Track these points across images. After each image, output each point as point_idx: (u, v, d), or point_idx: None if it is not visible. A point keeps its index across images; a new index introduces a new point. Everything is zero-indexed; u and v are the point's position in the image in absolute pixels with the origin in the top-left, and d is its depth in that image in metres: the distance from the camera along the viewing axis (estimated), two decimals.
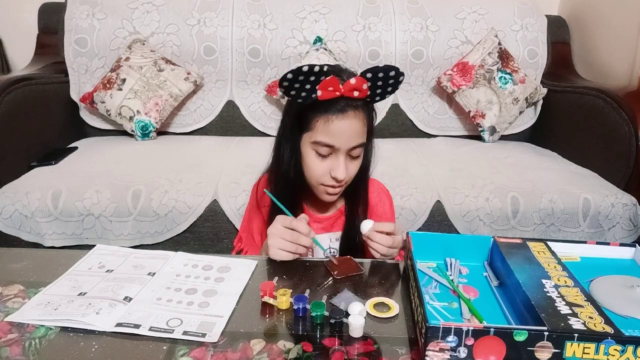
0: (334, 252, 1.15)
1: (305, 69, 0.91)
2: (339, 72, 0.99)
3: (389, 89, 0.99)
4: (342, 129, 0.98)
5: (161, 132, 2.23)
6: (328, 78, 0.93)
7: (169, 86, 2.14)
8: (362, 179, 1.12)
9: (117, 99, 2.10)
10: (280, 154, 1.08)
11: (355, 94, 0.96)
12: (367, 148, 1.08)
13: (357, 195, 1.13)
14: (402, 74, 0.98)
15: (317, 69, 0.92)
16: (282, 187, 1.09)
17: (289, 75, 0.92)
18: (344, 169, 1.00)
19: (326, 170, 1.02)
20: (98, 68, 2.22)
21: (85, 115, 2.24)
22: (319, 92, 0.94)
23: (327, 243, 1.16)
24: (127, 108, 2.10)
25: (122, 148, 2.02)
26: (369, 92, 0.97)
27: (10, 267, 0.94)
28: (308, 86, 0.94)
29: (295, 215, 0.99)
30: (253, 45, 2.24)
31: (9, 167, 1.74)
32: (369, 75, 0.94)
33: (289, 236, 0.94)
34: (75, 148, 2.02)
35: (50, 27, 2.29)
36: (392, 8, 2.32)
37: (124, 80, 2.11)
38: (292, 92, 0.95)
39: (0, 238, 1.59)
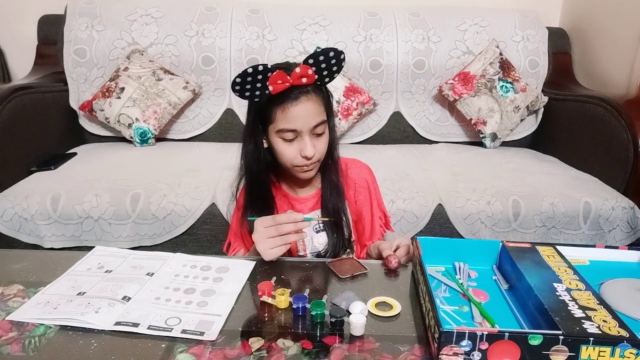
0: (323, 226, 1.20)
1: (249, 70, 0.99)
2: (286, 66, 1.06)
3: (334, 68, 1.07)
4: (299, 113, 1.05)
5: (160, 139, 2.23)
6: (275, 73, 1.01)
7: (167, 95, 2.15)
8: (330, 153, 1.17)
9: (116, 107, 2.10)
10: (246, 152, 1.16)
11: (304, 80, 1.04)
12: (330, 128, 1.14)
13: (329, 168, 1.19)
14: (342, 52, 1.05)
15: (260, 67, 0.99)
16: (254, 181, 1.17)
17: (238, 79, 1.00)
18: (311, 147, 1.07)
19: (296, 153, 1.09)
20: (97, 78, 2.22)
21: (85, 122, 2.24)
22: (271, 88, 1.02)
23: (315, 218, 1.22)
24: (125, 116, 2.10)
25: (121, 154, 2.02)
26: (316, 77, 1.05)
27: (10, 268, 0.94)
28: (259, 84, 1.02)
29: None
30: (252, 56, 2.25)
31: (10, 172, 1.74)
32: (310, 61, 1.03)
33: (273, 232, 0.97)
34: (75, 154, 2.01)
35: (50, 38, 2.30)
36: (393, 20, 2.33)
37: (122, 89, 2.11)
38: (247, 94, 1.03)
39: (0, 240, 1.59)
